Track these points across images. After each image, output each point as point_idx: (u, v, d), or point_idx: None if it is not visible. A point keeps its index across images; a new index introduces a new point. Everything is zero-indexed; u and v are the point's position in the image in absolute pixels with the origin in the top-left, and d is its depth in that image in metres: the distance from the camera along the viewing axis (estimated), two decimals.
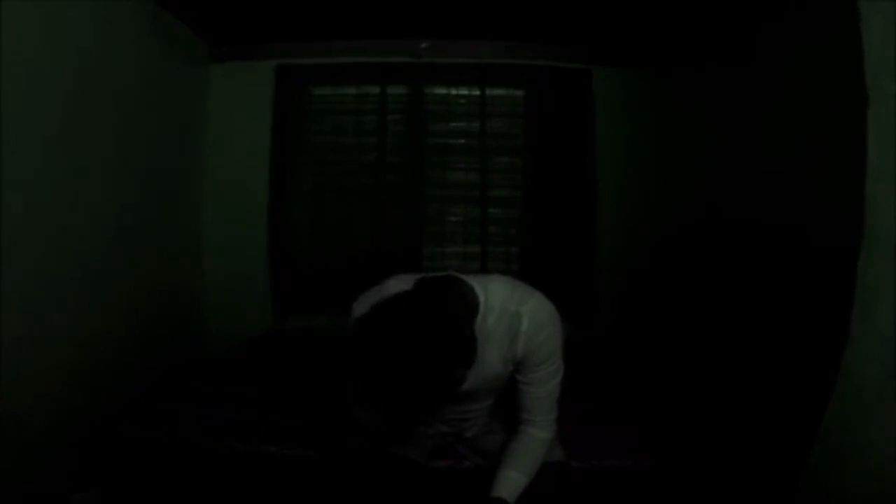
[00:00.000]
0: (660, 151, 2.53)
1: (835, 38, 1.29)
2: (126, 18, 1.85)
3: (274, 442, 1.35)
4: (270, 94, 2.57)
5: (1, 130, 1.31)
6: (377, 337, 0.78)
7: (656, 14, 2.13)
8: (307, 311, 2.59)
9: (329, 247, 2.60)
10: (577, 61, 2.56)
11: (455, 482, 1.17)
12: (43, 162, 1.48)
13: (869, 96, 1.12)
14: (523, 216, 2.58)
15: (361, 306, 1.03)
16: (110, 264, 1.80)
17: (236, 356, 2.13)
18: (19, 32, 1.35)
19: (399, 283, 1.05)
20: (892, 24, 1.07)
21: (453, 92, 2.60)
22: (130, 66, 1.89)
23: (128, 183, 1.90)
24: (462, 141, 2.60)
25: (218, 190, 2.58)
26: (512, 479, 1.00)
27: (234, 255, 2.61)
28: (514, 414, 1.08)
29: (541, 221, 2.56)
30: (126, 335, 1.89)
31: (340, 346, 0.99)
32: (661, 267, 2.47)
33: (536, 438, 1.05)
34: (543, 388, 1.04)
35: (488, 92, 2.57)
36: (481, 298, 1.00)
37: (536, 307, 1.02)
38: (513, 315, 1.00)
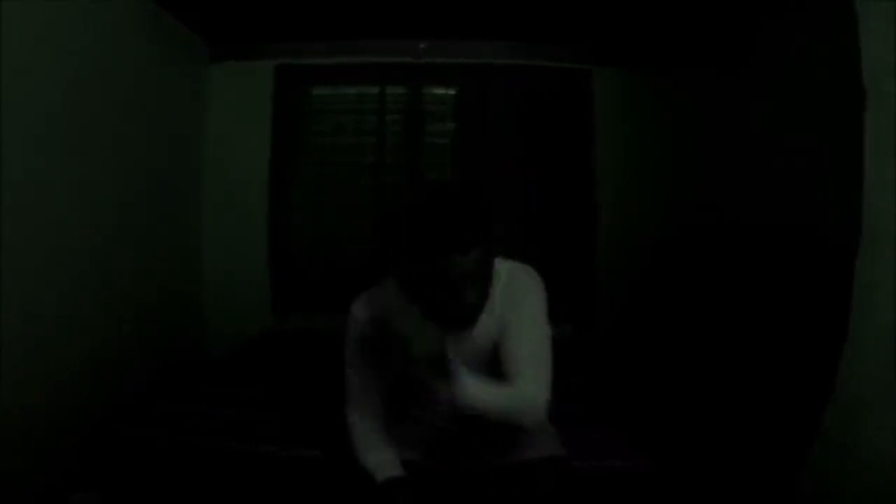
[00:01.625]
0: (660, 152, 2.53)
1: (833, 38, 1.29)
2: (126, 18, 1.85)
3: (274, 442, 1.35)
4: (270, 94, 2.57)
5: (1, 130, 1.31)
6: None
7: (656, 14, 2.13)
8: (307, 311, 2.59)
9: (329, 247, 2.60)
10: (577, 61, 2.56)
11: (455, 482, 1.16)
12: (42, 162, 1.48)
13: (867, 96, 1.13)
14: (523, 216, 2.57)
15: (361, 305, 1.04)
16: (110, 264, 1.80)
17: (236, 356, 2.13)
18: (19, 32, 1.35)
19: (398, 281, 1.06)
20: (890, 24, 1.08)
21: (453, 92, 2.60)
22: (130, 67, 1.89)
23: (127, 183, 1.90)
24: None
25: (218, 190, 2.58)
26: (480, 383, 0.94)
27: (234, 255, 2.61)
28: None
29: (541, 222, 2.56)
30: (126, 335, 1.89)
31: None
32: (661, 267, 2.47)
33: (519, 389, 0.96)
34: (524, 343, 0.99)
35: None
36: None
37: (515, 266, 1.04)
38: (494, 273, 0.99)
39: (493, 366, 1.12)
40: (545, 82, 2.55)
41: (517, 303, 1.01)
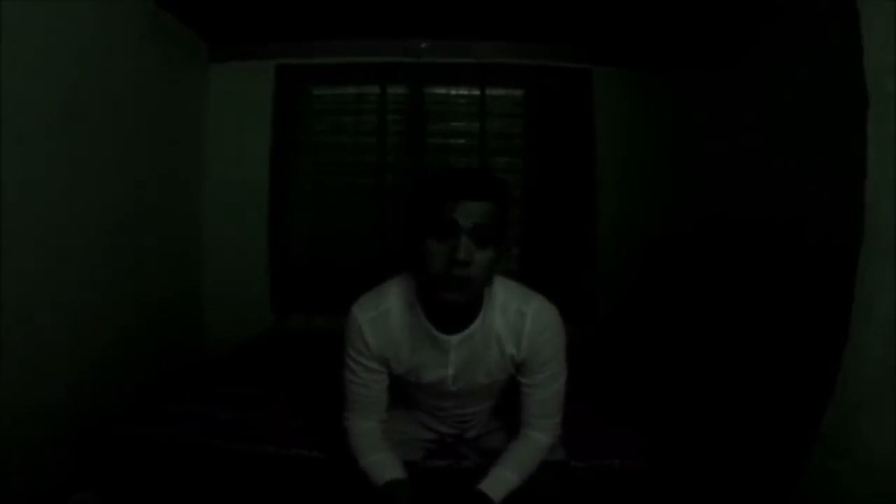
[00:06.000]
0: (660, 151, 2.53)
1: (835, 38, 1.29)
2: (126, 18, 1.85)
3: (274, 442, 1.34)
4: (270, 95, 2.57)
5: (1, 131, 1.31)
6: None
7: (657, 14, 2.13)
8: (307, 311, 2.59)
9: (329, 247, 2.60)
10: (578, 61, 2.56)
11: (455, 482, 1.16)
12: (42, 163, 1.48)
13: (869, 96, 1.12)
14: (523, 216, 2.58)
15: (362, 307, 1.04)
16: (110, 265, 1.80)
17: (236, 356, 2.13)
18: (19, 32, 1.35)
19: (400, 284, 1.05)
20: (892, 24, 1.07)
21: (453, 92, 2.60)
22: (130, 67, 1.89)
23: (127, 184, 1.90)
24: (462, 141, 2.60)
25: (218, 190, 2.58)
26: (502, 478, 0.99)
27: (233, 255, 2.61)
28: (517, 416, 1.08)
29: (541, 221, 2.56)
30: (126, 335, 1.89)
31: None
32: (661, 267, 2.47)
33: (536, 441, 1.05)
34: (546, 391, 1.04)
35: (488, 92, 2.57)
36: (486, 293, 1.00)
37: (540, 307, 1.02)
38: (516, 313, 1.01)
39: (500, 390, 1.13)
40: (545, 82, 2.55)
41: (542, 345, 1.01)
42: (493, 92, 2.58)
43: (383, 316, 1.02)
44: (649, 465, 1.30)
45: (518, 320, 1.00)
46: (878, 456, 1.06)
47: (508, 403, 1.13)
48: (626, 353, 2.37)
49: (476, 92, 2.57)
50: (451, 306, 0.92)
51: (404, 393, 1.14)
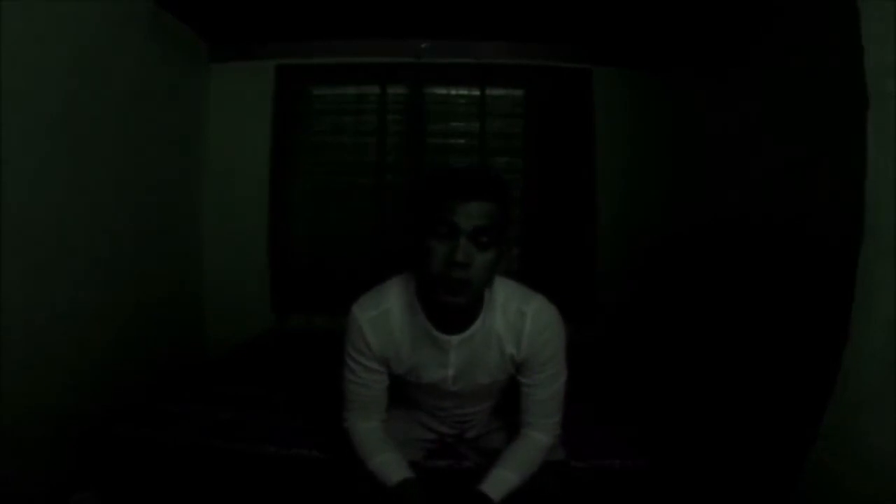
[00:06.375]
0: (660, 151, 2.53)
1: (835, 38, 1.29)
2: (126, 18, 1.85)
3: (274, 442, 1.34)
4: (270, 95, 2.57)
5: (1, 131, 1.31)
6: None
7: (657, 14, 2.13)
8: (307, 311, 2.60)
9: (329, 247, 2.60)
10: (578, 61, 2.56)
11: (455, 482, 1.16)
12: (42, 163, 1.48)
13: (869, 95, 1.12)
14: (523, 216, 2.58)
15: (362, 307, 1.04)
16: (111, 265, 1.80)
17: (236, 356, 2.13)
18: (19, 33, 1.35)
19: (400, 284, 1.06)
20: (892, 24, 1.07)
21: (453, 92, 2.60)
22: (130, 67, 1.89)
23: (127, 183, 1.90)
24: (462, 141, 2.60)
25: (218, 190, 2.58)
26: (502, 478, 0.98)
27: (234, 255, 2.61)
28: (517, 416, 1.08)
29: (541, 221, 2.56)
30: (126, 336, 1.89)
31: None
32: (661, 267, 2.47)
33: (536, 441, 1.05)
34: (546, 390, 1.04)
35: (488, 92, 2.57)
36: (487, 294, 1.00)
37: (540, 307, 1.02)
38: (516, 313, 1.00)
39: (500, 391, 1.13)
40: (545, 82, 2.55)
41: (542, 344, 1.01)
42: (492, 92, 2.58)
43: (384, 316, 1.02)
44: (649, 465, 1.30)
45: (518, 320, 1.00)
46: (879, 455, 1.06)
47: (508, 403, 1.13)
48: (626, 353, 2.37)
49: (476, 92, 2.57)
50: (450, 308, 0.93)
51: (404, 393, 1.14)
